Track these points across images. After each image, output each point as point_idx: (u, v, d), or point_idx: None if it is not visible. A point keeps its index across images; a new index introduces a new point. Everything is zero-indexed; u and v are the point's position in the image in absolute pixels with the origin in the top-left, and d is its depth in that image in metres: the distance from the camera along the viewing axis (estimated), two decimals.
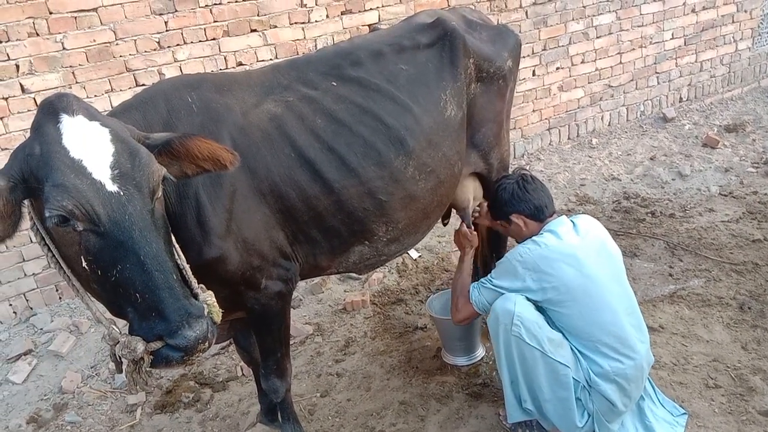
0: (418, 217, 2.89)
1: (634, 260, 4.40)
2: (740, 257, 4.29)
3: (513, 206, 2.85)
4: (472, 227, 3.33)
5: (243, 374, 3.67)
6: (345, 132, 2.58)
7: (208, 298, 1.91)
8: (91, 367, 3.89)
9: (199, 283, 1.99)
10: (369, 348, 3.80)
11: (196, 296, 1.89)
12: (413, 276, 4.53)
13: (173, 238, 1.99)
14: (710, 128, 6.72)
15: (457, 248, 3.33)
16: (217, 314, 1.90)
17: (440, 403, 3.26)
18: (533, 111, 6.34)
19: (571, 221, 2.83)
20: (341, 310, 4.23)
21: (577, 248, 2.68)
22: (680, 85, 7.24)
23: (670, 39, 6.92)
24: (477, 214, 3.28)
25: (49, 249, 1.90)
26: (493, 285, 2.79)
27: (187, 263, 2.01)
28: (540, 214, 2.83)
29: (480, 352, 3.57)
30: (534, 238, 2.76)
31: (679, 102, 7.28)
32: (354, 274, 3.87)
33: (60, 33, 4.08)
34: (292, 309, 4.22)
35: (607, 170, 5.97)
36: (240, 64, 4.70)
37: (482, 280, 2.89)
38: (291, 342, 3.79)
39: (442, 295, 3.67)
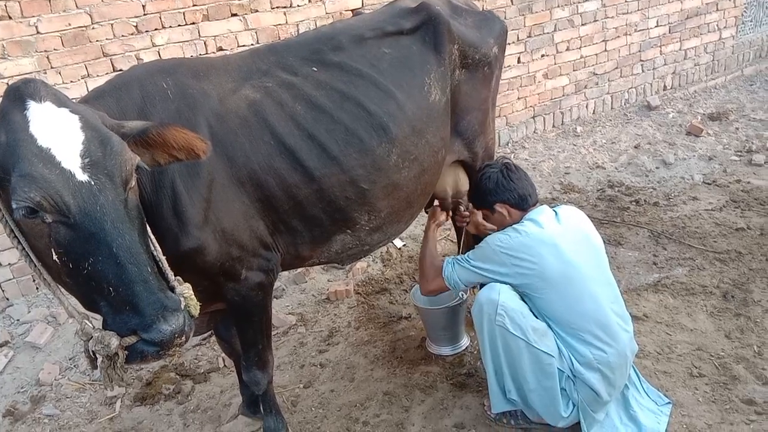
0: (401, 205, 2.85)
1: (618, 249, 4.39)
2: (724, 246, 4.29)
3: (497, 195, 2.81)
4: (447, 212, 3.32)
5: (224, 365, 3.61)
6: (326, 119, 2.52)
7: (185, 290, 1.85)
8: (70, 359, 3.81)
9: (176, 276, 1.93)
10: (353, 338, 3.76)
11: (172, 289, 1.83)
12: (397, 265, 4.49)
13: (149, 228, 1.93)
14: (694, 116, 6.73)
15: (435, 226, 3.32)
16: (195, 307, 1.84)
17: (424, 393, 3.23)
18: (518, 99, 6.31)
19: (553, 210, 2.81)
20: (325, 300, 4.18)
21: (557, 236, 2.66)
22: (664, 73, 7.24)
23: (655, 27, 6.91)
24: (467, 221, 3.21)
25: (18, 241, 1.83)
26: (470, 266, 2.77)
27: (164, 254, 1.95)
28: (524, 203, 2.80)
29: (464, 342, 3.54)
30: (515, 226, 2.74)
31: (663, 90, 7.29)
32: (337, 265, 3.83)
33: (34, 16, 3.96)
34: (274, 299, 4.16)
35: (591, 158, 5.96)
36: (220, 49, 4.61)
37: (459, 257, 2.86)
38: (273, 332, 3.76)
39: None
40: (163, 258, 1.92)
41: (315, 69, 2.60)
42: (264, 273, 2.52)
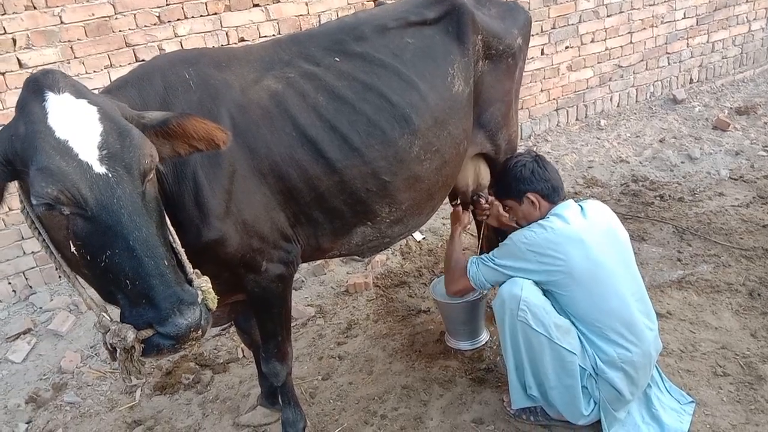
0: (422, 198, 2.82)
1: (642, 245, 4.32)
2: (750, 243, 4.20)
3: (531, 184, 2.76)
4: (469, 208, 3.27)
5: (244, 356, 3.62)
6: (348, 110, 2.50)
7: (202, 284, 1.84)
8: (91, 347, 3.85)
9: (195, 267, 1.92)
10: (371, 331, 3.74)
11: (190, 282, 1.82)
12: (417, 258, 4.47)
13: (168, 220, 1.92)
14: (721, 110, 6.60)
15: (461, 229, 3.27)
16: (212, 301, 1.83)
17: (443, 387, 3.21)
18: (541, 91, 6.23)
19: (579, 205, 2.77)
20: (344, 292, 4.17)
21: (583, 232, 2.61)
22: (691, 66, 7.10)
23: (682, 18, 6.78)
24: (488, 213, 3.18)
25: (39, 233, 1.84)
26: (494, 264, 2.73)
27: (184, 246, 1.95)
28: (555, 196, 2.76)
29: (484, 337, 3.51)
30: (540, 221, 2.70)
31: (690, 83, 7.15)
32: (357, 257, 3.81)
33: (58, 6, 3.99)
34: (293, 291, 4.15)
35: (615, 152, 5.87)
36: (242, 39, 4.60)
37: (483, 256, 2.82)
38: (292, 324, 3.75)
39: None
40: (181, 250, 1.91)
41: (337, 59, 2.58)
42: (284, 265, 2.51)
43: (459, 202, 3.33)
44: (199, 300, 1.76)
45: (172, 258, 1.78)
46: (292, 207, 2.48)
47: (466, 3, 2.79)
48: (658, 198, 4.97)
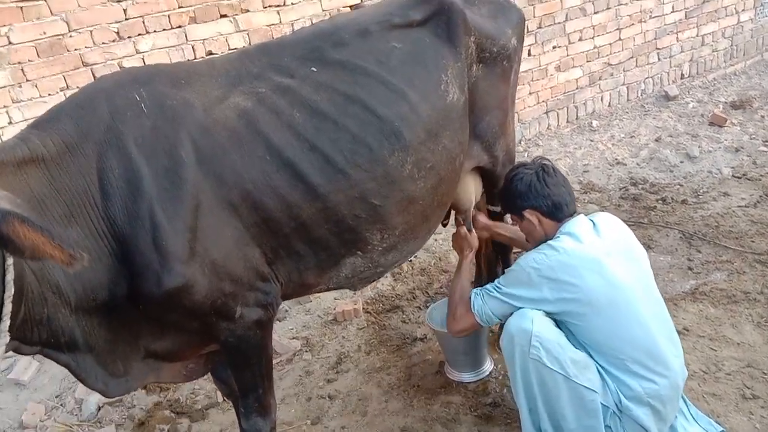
0: (417, 220, 2.53)
1: (649, 253, 3.93)
2: (763, 246, 3.95)
3: (528, 200, 2.49)
4: (473, 229, 2.98)
5: (224, 400, 3.28)
6: (329, 126, 2.21)
7: None
8: (56, 397, 3.49)
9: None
10: (364, 364, 3.42)
11: None
12: (409, 279, 4.16)
13: None
14: (715, 105, 6.37)
15: (472, 254, 2.97)
16: None
17: (446, 428, 2.90)
18: (530, 93, 5.96)
19: (590, 220, 2.49)
20: (332, 321, 3.84)
21: (599, 252, 2.34)
22: (681, 61, 6.89)
23: (671, 12, 6.57)
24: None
25: None
26: (501, 294, 2.44)
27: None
28: (558, 213, 2.47)
29: (488, 366, 3.21)
30: (550, 242, 2.41)
31: (681, 79, 6.94)
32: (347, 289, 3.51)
33: (5, 26, 3.64)
34: (277, 321, 3.84)
35: (610, 154, 5.61)
36: (210, 53, 4.28)
37: (487, 286, 2.53)
38: (277, 361, 3.44)
39: (443, 303, 3.28)
40: None
41: (314, 69, 2.29)
42: (262, 308, 2.21)
43: (461, 226, 3.02)
44: None
45: None
46: (269, 241, 2.18)
47: (455, 1, 2.51)
48: (660, 201, 4.71)
